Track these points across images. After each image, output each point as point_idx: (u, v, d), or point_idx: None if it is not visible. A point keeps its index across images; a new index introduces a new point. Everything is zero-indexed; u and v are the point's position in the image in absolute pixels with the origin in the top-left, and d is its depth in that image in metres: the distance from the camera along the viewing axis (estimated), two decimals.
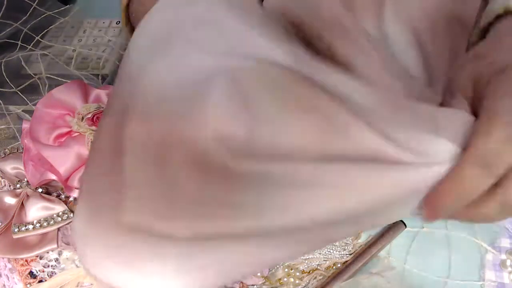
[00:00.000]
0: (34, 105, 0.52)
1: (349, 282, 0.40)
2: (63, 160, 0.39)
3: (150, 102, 0.30)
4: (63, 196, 0.44)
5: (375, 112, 0.28)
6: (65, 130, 0.41)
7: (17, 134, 0.52)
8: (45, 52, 0.58)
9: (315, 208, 0.27)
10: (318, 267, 0.41)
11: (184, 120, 0.29)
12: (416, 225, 0.43)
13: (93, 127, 0.40)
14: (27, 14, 0.58)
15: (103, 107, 0.42)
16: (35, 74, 0.56)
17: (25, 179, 0.44)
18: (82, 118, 0.41)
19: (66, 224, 0.43)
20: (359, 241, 0.43)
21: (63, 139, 0.41)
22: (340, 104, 0.28)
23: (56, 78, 0.55)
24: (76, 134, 0.41)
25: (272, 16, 0.36)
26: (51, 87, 0.54)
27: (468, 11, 0.39)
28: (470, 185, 0.26)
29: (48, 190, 0.45)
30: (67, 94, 0.42)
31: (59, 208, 0.43)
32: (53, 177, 0.40)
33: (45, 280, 0.41)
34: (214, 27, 0.32)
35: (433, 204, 0.27)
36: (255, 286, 0.40)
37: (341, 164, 0.27)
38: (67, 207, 0.43)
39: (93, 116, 0.41)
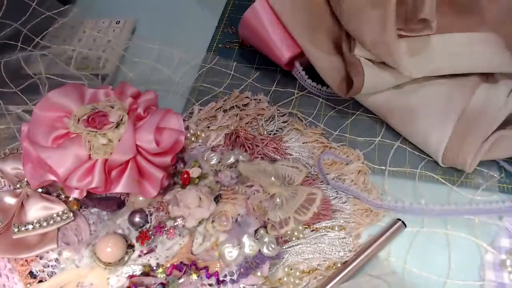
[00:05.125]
0: (34, 105, 0.52)
1: (349, 284, 0.40)
2: (62, 161, 0.39)
3: None
4: (63, 196, 0.44)
5: None
6: (63, 131, 0.41)
7: (17, 134, 0.52)
8: (45, 53, 0.58)
9: None
10: (318, 267, 0.41)
11: None
12: (416, 225, 0.43)
13: (89, 128, 0.40)
14: (27, 14, 0.58)
15: (98, 108, 0.42)
16: (35, 74, 0.56)
17: (25, 179, 0.44)
18: (78, 120, 0.41)
19: (66, 224, 0.43)
20: (359, 241, 0.43)
21: (61, 141, 0.41)
22: None
23: (56, 78, 0.55)
24: (74, 135, 0.41)
25: None
26: (51, 87, 0.54)
27: None
28: None
29: (48, 190, 0.45)
30: (62, 97, 0.42)
31: (59, 208, 0.43)
32: (53, 178, 0.40)
33: (45, 280, 0.41)
34: None
35: None
36: (255, 286, 0.40)
37: None
38: (67, 207, 0.43)
39: (89, 117, 0.41)
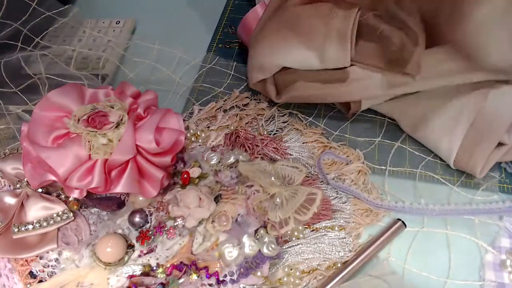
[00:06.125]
0: (34, 105, 0.52)
1: (349, 284, 0.40)
2: (62, 161, 0.39)
3: None
4: (63, 196, 0.44)
5: None
6: (63, 131, 0.41)
7: (17, 134, 0.52)
8: (45, 53, 0.58)
9: None
10: (318, 267, 0.41)
11: None
12: (416, 225, 0.43)
13: (89, 128, 0.40)
14: (27, 14, 0.58)
15: (98, 108, 0.42)
16: (35, 74, 0.56)
17: (25, 179, 0.44)
18: (78, 120, 0.41)
19: (66, 224, 0.43)
20: (359, 241, 0.43)
21: (61, 141, 0.41)
22: None
23: (56, 78, 0.55)
24: (74, 135, 0.41)
25: None
26: (51, 87, 0.54)
27: None
28: None
29: (48, 190, 0.45)
30: (62, 97, 0.42)
31: (59, 208, 0.43)
32: (53, 178, 0.40)
33: (45, 280, 0.41)
34: None
35: None
36: (255, 286, 0.40)
37: None
38: (67, 207, 0.43)
39: (89, 117, 0.41)
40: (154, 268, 0.41)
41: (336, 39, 0.45)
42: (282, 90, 0.51)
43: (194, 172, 0.46)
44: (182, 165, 0.47)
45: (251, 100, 0.55)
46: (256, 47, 0.50)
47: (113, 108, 0.43)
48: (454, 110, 0.46)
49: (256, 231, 0.42)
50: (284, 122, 0.52)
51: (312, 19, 0.46)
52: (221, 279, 0.40)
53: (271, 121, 0.52)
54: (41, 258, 0.42)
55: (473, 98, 0.46)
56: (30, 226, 0.42)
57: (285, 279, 0.41)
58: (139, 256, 0.42)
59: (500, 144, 0.45)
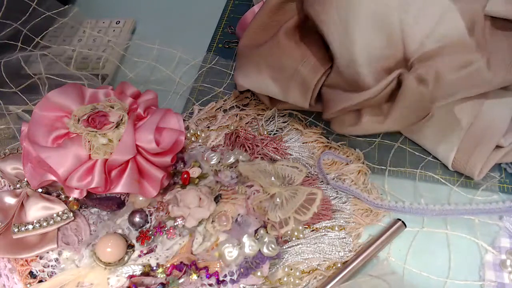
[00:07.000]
0: (34, 105, 0.52)
1: (349, 284, 0.40)
2: (62, 161, 0.39)
3: None
4: (63, 196, 0.44)
5: None
6: (63, 131, 0.41)
7: (17, 134, 0.52)
8: (45, 53, 0.58)
9: None
10: (318, 267, 0.41)
11: None
12: (416, 225, 0.43)
13: (89, 128, 0.40)
14: (27, 14, 0.58)
15: (98, 108, 0.42)
16: (35, 74, 0.56)
17: (25, 179, 0.44)
18: (78, 120, 0.41)
19: (66, 224, 0.43)
20: (359, 241, 0.43)
21: (61, 141, 0.41)
22: None
23: (56, 78, 0.55)
24: (74, 135, 0.41)
25: None
26: (51, 87, 0.54)
27: None
28: None
29: (48, 190, 0.45)
30: (62, 97, 0.42)
31: (59, 208, 0.43)
32: (53, 178, 0.40)
33: (45, 280, 0.41)
34: None
35: None
36: (255, 286, 0.40)
37: None
38: (67, 207, 0.43)
39: (89, 117, 0.41)
40: (154, 268, 0.41)
41: (299, 86, 0.46)
42: (275, 100, 0.52)
43: (194, 172, 0.46)
44: (182, 165, 0.47)
45: (251, 100, 0.55)
46: (239, 63, 0.50)
47: (113, 108, 0.43)
48: (451, 115, 0.46)
49: (256, 231, 0.42)
50: (284, 122, 0.52)
51: (287, 58, 0.46)
52: (221, 279, 0.40)
53: (271, 121, 0.52)
54: (41, 258, 0.42)
55: (470, 104, 0.46)
56: (30, 226, 0.42)
57: (285, 279, 0.41)
58: (139, 256, 0.42)
59: (498, 147, 0.45)
